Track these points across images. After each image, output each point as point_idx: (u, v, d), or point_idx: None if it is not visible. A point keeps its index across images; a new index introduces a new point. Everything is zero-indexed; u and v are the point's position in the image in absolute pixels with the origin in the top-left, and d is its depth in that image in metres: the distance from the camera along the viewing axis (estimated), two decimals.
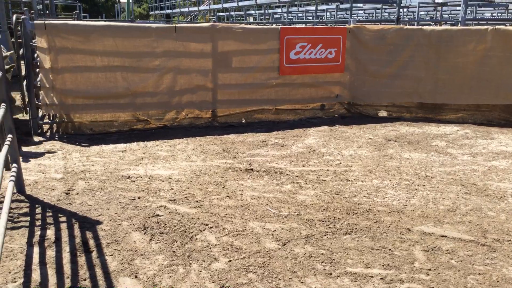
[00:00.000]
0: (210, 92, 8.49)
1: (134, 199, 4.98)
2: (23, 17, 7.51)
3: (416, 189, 5.46)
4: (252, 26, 9.78)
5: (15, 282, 3.39)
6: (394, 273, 3.63)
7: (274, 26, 10.56)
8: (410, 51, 9.33)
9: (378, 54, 9.36)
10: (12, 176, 4.33)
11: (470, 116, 9.43)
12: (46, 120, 7.98)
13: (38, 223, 4.34)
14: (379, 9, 24.37)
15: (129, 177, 5.68)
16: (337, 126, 8.74)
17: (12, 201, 4.41)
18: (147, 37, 7.84)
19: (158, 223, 4.38)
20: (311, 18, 27.20)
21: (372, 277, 3.57)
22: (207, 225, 4.37)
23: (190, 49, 8.19)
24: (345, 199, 5.13)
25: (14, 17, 7.99)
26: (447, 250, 4.00)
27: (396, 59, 9.36)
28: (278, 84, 9.00)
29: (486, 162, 6.57)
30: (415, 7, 16.85)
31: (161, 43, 7.95)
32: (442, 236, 4.27)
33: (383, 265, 3.74)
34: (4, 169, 3.74)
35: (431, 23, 19.39)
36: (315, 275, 3.59)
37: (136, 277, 3.50)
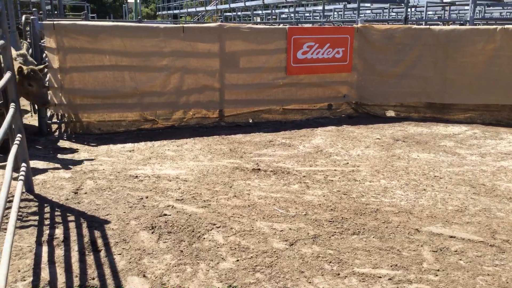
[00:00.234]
0: (217, 92, 8.50)
1: (142, 198, 4.99)
2: (32, 17, 7.56)
3: (425, 190, 5.44)
4: (259, 26, 9.79)
5: (25, 280, 3.41)
6: (402, 273, 3.62)
7: (281, 26, 10.55)
8: (418, 51, 9.28)
9: (385, 53, 9.32)
10: (21, 175, 4.36)
11: (478, 116, 9.36)
12: (54, 120, 8.03)
13: (47, 222, 4.37)
14: (386, 8, 24.27)
15: (137, 176, 5.70)
16: (345, 126, 8.72)
17: (21, 200, 4.44)
18: (155, 37, 7.87)
19: (165, 222, 4.39)
20: (318, 18, 27.14)
21: (380, 277, 3.56)
22: (214, 224, 4.38)
23: (198, 49, 8.21)
24: (352, 199, 5.12)
25: (24, 17, 8.06)
26: (455, 251, 3.98)
27: (404, 58, 9.32)
28: (285, 84, 9.00)
29: (495, 163, 6.52)
30: (423, 6, 16.76)
31: (169, 43, 7.97)
32: (451, 237, 4.24)
33: (391, 266, 3.72)
34: (13, 168, 3.76)
35: (439, 22, 19.27)
36: (322, 275, 3.58)
37: (144, 276, 3.51)
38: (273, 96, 8.96)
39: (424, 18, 16.89)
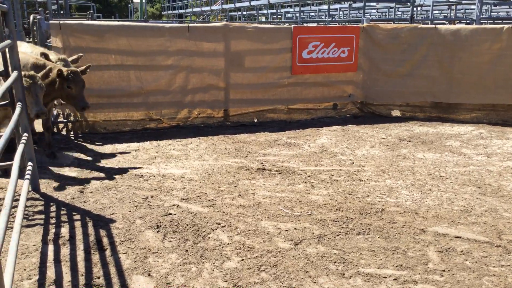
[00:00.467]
0: (222, 92, 8.51)
1: (147, 197, 5.01)
2: (38, 17, 7.60)
3: (430, 190, 5.41)
4: (264, 25, 9.78)
5: (30, 279, 3.43)
6: (407, 273, 3.60)
7: (286, 25, 10.55)
8: (424, 50, 9.24)
9: (391, 53, 9.29)
10: (27, 174, 4.38)
11: (485, 116, 9.31)
12: (60, 119, 8.07)
13: (53, 221, 4.39)
14: (392, 8, 24.20)
15: (142, 176, 5.71)
16: (350, 125, 8.70)
17: (27, 199, 4.47)
18: (161, 37, 7.89)
19: (171, 221, 4.40)
20: (323, 17, 27.09)
21: (385, 277, 3.55)
22: (219, 224, 4.38)
23: (203, 49, 8.22)
24: (358, 199, 5.10)
25: (31, 17, 8.10)
26: (461, 251, 3.96)
27: (410, 58, 9.28)
28: (290, 84, 8.99)
29: (501, 163, 6.49)
30: (429, 6, 16.69)
31: (174, 42, 7.99)
32: (457, 237, 4.22)
33: (396, 266, 3.71)
34: (20, 167, 3.78)
35: (445, 22, 19.19)
36: (327, 275, 3.57)
37: (149, 275, 3.52)
38: (278, 96, 8.96)
39: (430, 18, 16.81)
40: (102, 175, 5.71)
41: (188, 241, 4.05)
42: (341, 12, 27.74)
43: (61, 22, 7.57)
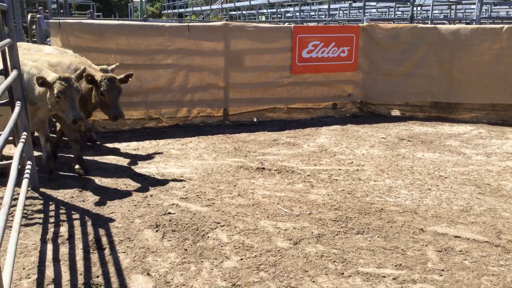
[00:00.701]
0: (222, 91, 8.51)
1: (147, 197, 5.00)
2: (38, 16, 7.59)
3: (429, 189, 5.41)
4: (264, 25, 9.76)
5: (29, 278, 3.43)
6: (406, 273, 3.60)
7: (286, 24, 10.54)
8: (424, 50, 9.24)
9: (391, 53, 9.29)
10: (26, 173, 4.38)
11: (484, 115, 9.31)
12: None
13: (52, 220, 4.39)
14: (392, 7, 24.18)
15: (141, 175, 5.71)
16: (349, 125, 8.70)
17: (26, 198, 4.46)
18: (160, 36, 7.89)
19: (170, 221, 4.40)
20: (323, 16, 27.06)
21: (384, 277, 3.55)
22: (218, 223, 4.38)
23: (203, 48, 8.21)
24: (357, 198, 5.10)
25: (29, 16, 8.08)
26: (460, 251, 3.96)
27: (410, 58, 9.28)
28: (290, 83, 8.99)
29: (501, 162, 6.49)
30: (429, 5, 16.68)
31: (174, 41, 7.98)
32: (456, 237, 4.22)
33: (395, 265, 3.71)
34: (19, 166, 3.78)
35: (445, 21, 19.18)
36: (326, 274, 3.57)
37: (148, 274, 3.52)
38: (277, 95, 8.96)
39: (430, 17, 16.80)
40: (101, 174, 5.70)
41: (187, 240, 4.05)
42: (341, 12, 27.73)
43: (60, 21, 7.56)
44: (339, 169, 6.10)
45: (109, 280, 3.43)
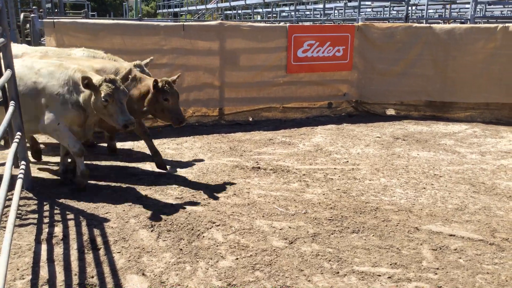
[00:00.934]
0: (217, 90, 8.50)
1: (142, 196, 4.99)
2: (32, 15, 7.55)
3: (424, 188, 5.43)
4: (259, 24, 9.77)
5: (23, 279, 3.41)
6: (401, 272, 3.61)
7: (281, 24, 10.54)
8: (419, 49, 9.26)
9: (386, 52, 9.30)
10: (20, 173, 4.36)
11: (479, 114, 9.34)
12: None
13: (46, 220, 4.36)
14: (387, 7, 24.21)
15: (136, 174, 5.69)
16: (345, 124, 8.71)
17: (20, 198, 4.43)
18: (155, 35, 7.86)
19: (165, 220, 4.39)
20: (318, 16, 27.09)
21: (379, 276, 3.55)
22: (214, 223, 4.37)
23: (198, 47, 8.20)
24: (352, 197, 5.11)
25: (22, 15, 8.04)
26: (455, 249, 3.97)
27: (405, 57, 9.30)
28: (285, 82, 8.99)
29: (495, 161, 6.51)
30: (424, 5, 16.71)
31: (169, 41, 7.96)
32: (450, 235, 4.23)
33: (390, 264, 3.72)
34: (13, 166, 3.76)
35: (440, 21, 19.23)
36: (322, 273, 3.57)
37: (143, 274, 3.51)
38: (273, 94, 8.96)
39: (425, 17, 16.84)
40: (96, 174, 5.67)
41: (183, 240, 4.04)
42: (336, 11, 27.75)
43: (55, 20, 7.52)
44: (335, 168, 6.11)
45: (104, 281, 3.41)
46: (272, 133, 7.98)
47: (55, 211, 4.56)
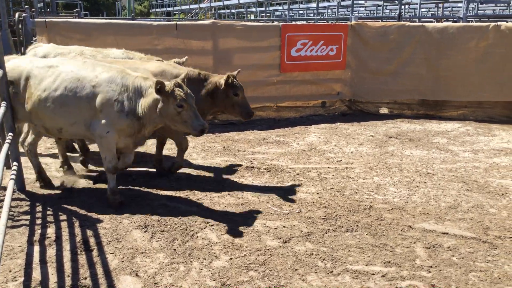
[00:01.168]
0: None
1: (135, 197, 4.96)
2: (24, 15, 7.50)
3: (417, 186, 5.45)
4: (253, 23, 9.75)
5: (16, 281, 3.38)
6: (395, 270, 3.62)
7: (275, 23, 10.54)
8: (412, 48, 9.29)
9: (379, 51, 9.32)
10: (12, 174, 4.32)
11: (471, 113, 9.39)
12: None
13: (39, 221, 4.33)
14: (380, 6, 24.26)
15: (129, 175, 5.67)
16: (338, 123, 8.72)
17: (13, 199, 4.40)
18: (148, 35, 7.84)
19: (158, 221, 4.37)
20: (312, 15, 27.09)
21: (373, 274, 3.56)
22: (208, 223, 4.36)
23: (191, 47, 8.17)
24: (346, 196, 5.12)
25: (17, 15, 7.98)
26: (448, 247, 3.99)
27: (398, 56, 9.33)
28: (279, 82, 8.99)
29: (488, 159, 6.55)
30: (417, 3, 16.77)
31: (162, 40, 7.94)
32: (444, 233, 4.25)
33: (384, 263, 3.73)
34: (5, 167, 3.73)
35: (432, 20, 19.30)
36: (316, 272, 3.58)
37: (136, 275, 3.49)
38: (267, 94, 8.95)
39: (417, 16, 16.91)
40: (88, 174, 5.65)
41: (176, 240, 4.02)
42: (329, 10, 27.76)
43: (47, 20, 7.48)
44: (328, 167, 6.12)
45: (97, 282, 3.39)
46: (266, 132, 7.98)
47: (48, 212, 4.53)
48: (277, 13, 30.92)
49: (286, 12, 25.17)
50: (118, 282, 3.39)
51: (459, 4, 19.62)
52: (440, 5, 21.53)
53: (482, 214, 4.69)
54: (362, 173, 5.88)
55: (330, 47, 9.12)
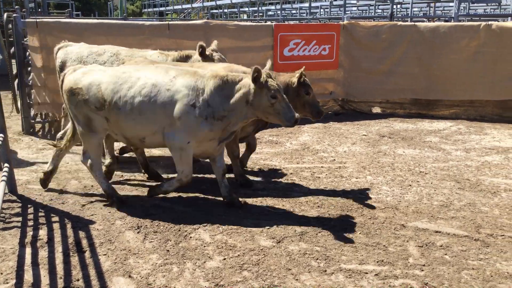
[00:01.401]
0: None
1: (128, 198, 4.94)
2: (14, 15, 7.43)
3: (410, 185, 5.47)
4: (245, 23, 9.74)
5: (7, 283, 3.35)
6: (388, 269, 3.63)
7: (268, 23, 10.55)
8: (404, 48, 9.33)
9: (371, 50, 9.35)
10: (3, 176, 4.29)
11: (463, 111, 9.45)
12: (38, 119, 7.91)
13: (30, 223, 4.30)
14: (372, 5, 24.37)
15: (122, 175, 5.64)
16: (331, 123, 8.73)
17: (4, 201, 4.37)
18: (140, 35, 7.79)
19: (152, 222, 4.35)
20: (304, 15, 27.13)
21: (366, 273, 3.57)
22: (201, 223, 4.35)
23: (184, 47, 8.10)
24: (339, 195, 5.12)
25: (5, 15, 7.91)
26: (441, 246, 4.01)
27: (390, 55, 9.36)
28: None
29: (480, 158, 6.59)
30: (409, 3, 16.87)
31: (154, 40, 7.89)
32: (436, 232, 4.27)
33: (377, 261, 3.74)
34: None
35: (424, 19, 19.40)
36: (309, 272, 3.58)
37: (129, 276, 3.47)
38: None
39: (409, 15, 17.00)
40: (81, 175, 5.62)
41: (170, 241, 4.01)
42: (322, 10, 27.84)
43: (38, 20, 7.43)
44: (322, 166, 6.12)
45: (89, 283, 3.37)
46: (259, 132, 7.95)
47: (40, 214, 4.49)
48: (270, 12, 30.95)
49: (279, 12, 25.20)
50: (111, 284, 3.38)
51: (451, 4, 19.74)
52: (432, 4, 21.66)
53: (474, 213, 4.72)
54: (355, 172, 5.89)
55: (323, 46, 9.14)
